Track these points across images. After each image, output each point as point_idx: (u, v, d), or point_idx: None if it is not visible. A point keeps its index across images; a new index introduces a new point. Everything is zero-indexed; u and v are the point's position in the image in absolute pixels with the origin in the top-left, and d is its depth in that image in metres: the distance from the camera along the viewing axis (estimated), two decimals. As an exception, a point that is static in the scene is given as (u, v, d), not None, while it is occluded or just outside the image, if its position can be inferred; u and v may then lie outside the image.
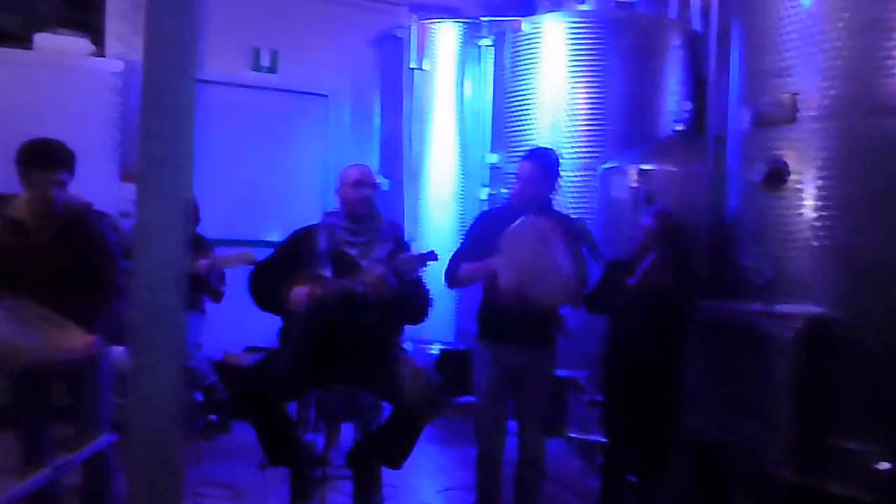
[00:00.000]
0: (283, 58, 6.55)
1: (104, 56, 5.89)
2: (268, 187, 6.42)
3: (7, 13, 6.60)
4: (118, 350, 3.22)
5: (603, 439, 4.03)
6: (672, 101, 4.97)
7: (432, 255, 3.24)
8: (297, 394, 3.35)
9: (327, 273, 3.32)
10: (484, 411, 3.56)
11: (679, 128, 4.49)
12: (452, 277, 3.51)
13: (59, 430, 3.22)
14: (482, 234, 3.49)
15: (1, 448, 3.35)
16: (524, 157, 3.58)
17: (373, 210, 3.50)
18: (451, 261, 3.54)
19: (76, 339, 2.79)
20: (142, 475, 2.32)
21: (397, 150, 5.86)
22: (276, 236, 6.09)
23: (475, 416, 3.60)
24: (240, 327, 4.88)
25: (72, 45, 5.69)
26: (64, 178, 3.06)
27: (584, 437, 4.48)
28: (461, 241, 3.75)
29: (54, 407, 3.22)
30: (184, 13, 2.31)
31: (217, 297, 4.67)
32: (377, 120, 6.62)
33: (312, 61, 6.56)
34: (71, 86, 5.52)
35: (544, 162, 3.53)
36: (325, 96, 6.67)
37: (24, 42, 5.64)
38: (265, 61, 6.50)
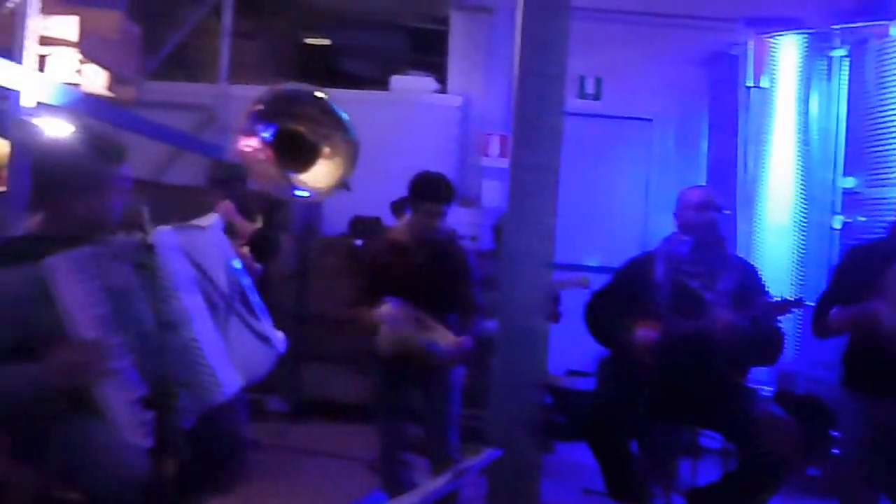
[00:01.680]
0: (607, 84, 6.61)
1: (446, 92, 6.39)
2: (591, 212, 6.49)
3: (368, 61, 7.48)
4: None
5: None
6: None
7: (798, 303, 2.96)
8: (643, 431, 3.27)
9: (666, 306, 3.16)
10: (850, 469, 3.15)
11: None
12: (822, 327, 3.10)
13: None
14: (855, 273, 3.09)
15: (360, 441, 3.74)
16: None
17: (716, 236, 3.30)
18: (817, 306, 3.15)
19: (450, 338, 3.06)
20: (500, 485, 2.46)
21: (727, 173, 5.60)
22: (595, 261, 6.16)
23: (838, 473, 3.25)
24: (561, 350, 4.98)
25: (419, 84, 6.28)
26: (446, 210, 3.32)
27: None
28: (829, 284, 3.31)
29: (411, 409, 3.51)
30: (554, 46, 2.45)
31: (555, 318, 4.80)
32: (704, 143, 6.41)
33: (636, 86, 6.53)
34: (418, 120, 6.08)
35: None
36: (650, 120, 6.61)
37: (382, 85, 6.34)
38: (589, 88, 6.61)
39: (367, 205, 5.47)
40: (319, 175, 3.24)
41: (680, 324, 3.09)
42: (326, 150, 3.25)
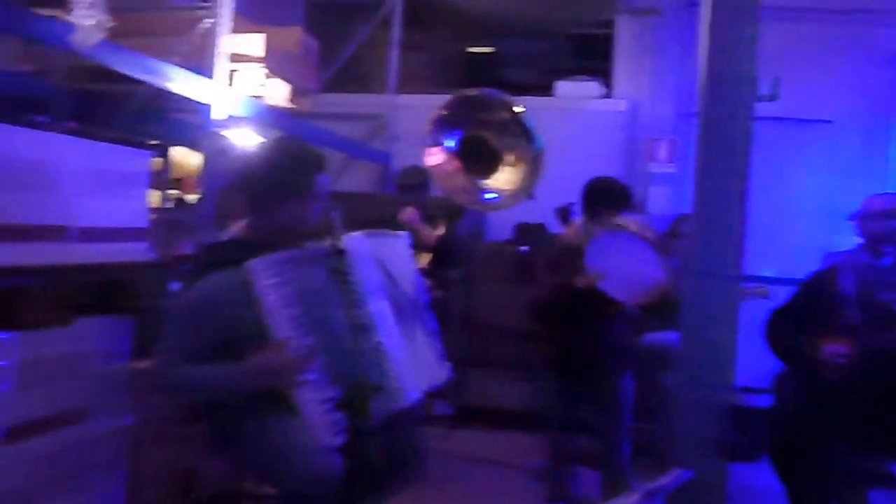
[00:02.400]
0: (785, 85, 6.25)
1: (612, 97, 6.27)
2: (768, 220, 6.16)
3: (532, 68, 7.48)
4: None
5: None
6: None
7: None
8: (834, 455, 3.04)
9: (857, 320, 2.94)
10: None
11: None
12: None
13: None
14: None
15: (524, 449, 3.71)
16: None
17: None
18: None
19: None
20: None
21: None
22: (773, 271, 5.83)
23: None
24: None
25: (584, 89, 6.20)
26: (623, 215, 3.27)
27: None
28: None
29: (582, 419, 3.46)
30: (743, 46, 2.34)
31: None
32: (892, 146, 5.94)
33: (817, 86, 6.14)
34: (583, 125, 6.00)
35: None
36: (831, 122, 6.19)
37: (546, 91, 6.31)
38: (766, 90, 6.27)
39: (532, 211, 5.44)
40: (502, 182, 3.25)
41: (874, 338, 2.86)
42: (510, 157, 3.26)
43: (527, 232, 5.54)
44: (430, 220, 3.89)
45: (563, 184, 5.32)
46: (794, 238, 6.00)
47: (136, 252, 2.76)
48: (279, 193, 2.13)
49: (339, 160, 6.19)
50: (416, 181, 3.78)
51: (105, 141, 2.78)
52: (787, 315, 3.17)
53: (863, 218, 3.13)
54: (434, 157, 3.13)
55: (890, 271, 3.02)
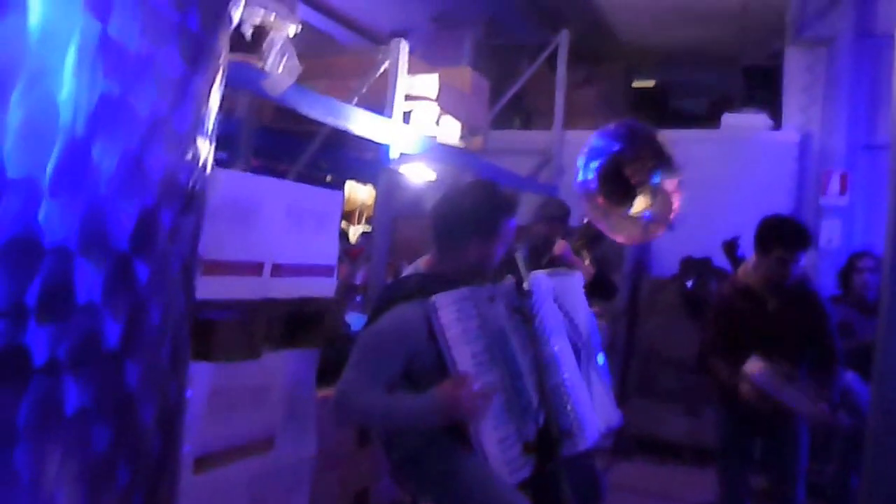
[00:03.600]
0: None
1: (781, 128, 6.12)
2: None
3: (698, 99, 7.41)
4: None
5: None
6: None
7: None
8: None
9: None
10: None
11: None
12: None
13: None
14: None
15: (688, 483, 3.68)
16: None
17: None
18: None
19: (813, 405, 2.96)
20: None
21: None
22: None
23: None
24: None
25: (752, 121, 6.09)
26: (799, 257, 3.20)
27: None
28: None
29: (753, 457, 3.41)
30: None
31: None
32: None
33: None
34: (752, 158, 5.89)
35: None
36: None
37: (713, 122, 6.25)
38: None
39: (698, 244, 5.40)
40: (639, 212, 3.26)
41: None
42: (649, 187, 3.27)
43: (692, 266, 5.50)
44: (577, 253, 3.93)
45: (730, 217, 5.29)
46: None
47: (324, 287, 2.84)
48: (466, 233, 2.19)
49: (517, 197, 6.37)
50: (556, 213, 3.83)
51: (296, 180, 2.86)
52: None
53: None
54: (583, 186, 3.18)
55: None
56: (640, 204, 3.45)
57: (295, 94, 3.20)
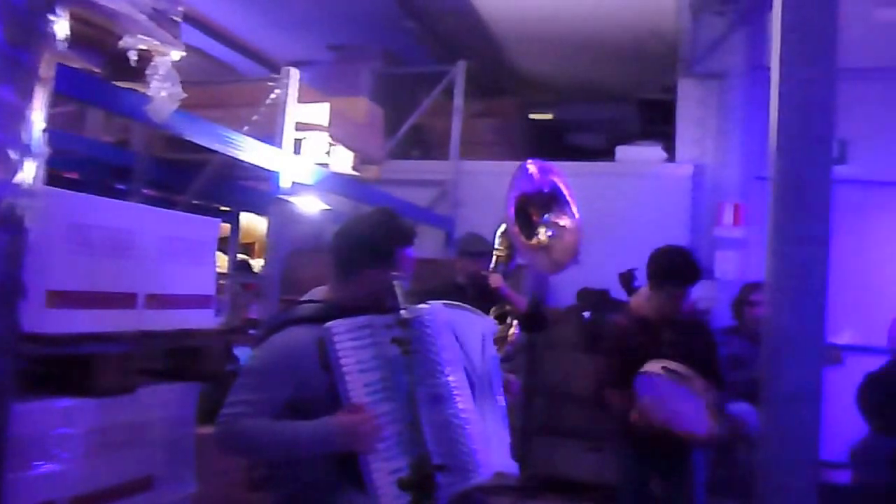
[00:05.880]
0: (856, 146, 6.11)
1: (675, 161, 6.22)
2: (840, 285, 5.95)
3: (595, 133, 7.52)
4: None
5: None
6: None
7: None
8: None
9: None
10: None
11: None
12: None
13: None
14: None
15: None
16: None
17: None
18: None
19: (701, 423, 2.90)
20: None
21: None
22: (848, 338, 5.60)
23: None
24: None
25: (646, 153, 6.17)
26: (688, 291, 3.20)
27: None
28: None
29: (653, 495, 3.32)
30: (818, 106, 2.27)
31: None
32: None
33: (887, 147, 5.99)
34: (646, 190, 5.95)
35: None
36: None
37: (610, 155, 6.31)
38: (835, 152, 6.13)
39: (595, 276, 5.38)
40: (548, 246, 3.25)
41: None
42: (552, 222, 3.25)
43: (589, 297, 5.47)
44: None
45: (627, 248, 5.29)
46: (871, 304, 5.78)
47: (202, 318, 2.78)
48: (363, 262, 2.17)
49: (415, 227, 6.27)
50: (478, 248, 3.78)
51: (178, 209, 2.82)
52: (882, 380, 3.06)
53: None
54: (508, 223, 3.15)
55: None
56: (542, 237, 3.40)
57: (181, 121, 3.19)
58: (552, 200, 3.32)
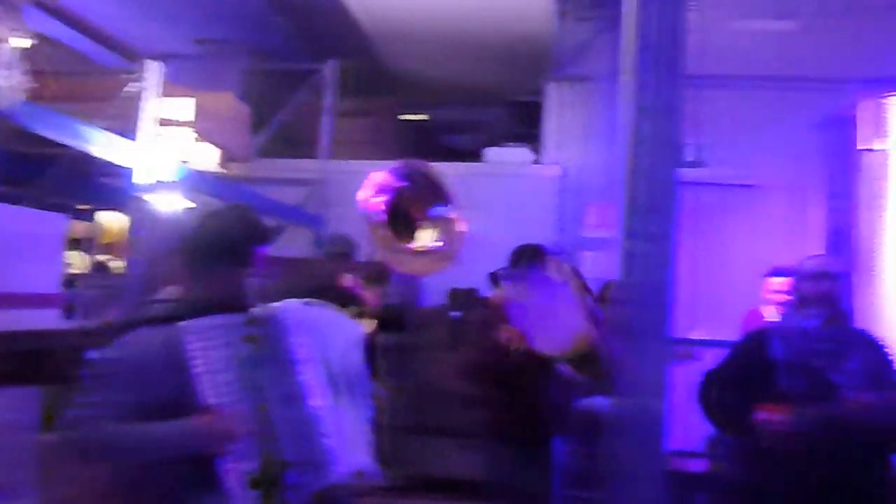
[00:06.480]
0: (712, 150, 6.45)
1: (543, 163, 6.38)
2: (696, 283, 6.27)
3: (467, 135, 7.60)
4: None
5: None
6: None
7: None
8: None
9: (790, 388, 2.88)
10: None
11: None
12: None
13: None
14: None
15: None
16: None
17: (836, 309, 3.03)
18: None
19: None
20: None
21: (846, 241, 5.34)
22: (702, 334, 5.91)
23: None
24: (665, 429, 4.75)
25: (515, 155, 6.30)
26: None
27: None
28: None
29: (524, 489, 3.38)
30: (668, 111, 2.38)
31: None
32: (820, 210, 6.14)
33: (744, 152, 6.36)
34: (515, 191, 6.08)
35: None
36: (758, 187, 6.40)
37: (478, 157, 6.40)
38: (692, 155, 6.45)
39: (466, 276, 5.44)
40: (425, 247, 3.25)
41: (809, 409, 2.83)
42: (430, 221, 3.25)
43: (458, 297, 5.53)
44: (367, 285, 3.86)
45: (495, 249, 5.38)
46: (725, 301, 6.10)
47: (47, 319, 2.67)
48: (216, 260, 2.09)
49: (273, 225, 6.14)
50: (342, 249, 3.75)
51: (28, 205, 2.69)
52: (719, 379, 3.12)
53: (794, 279, 3.14)
54: (370, 220, 3.12)
55: (820, 338, 3.00)
56: (423, 238, 3.39)
57: (27, 112, 3.02)
58: (433, 199, 3.32)
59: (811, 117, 6.03)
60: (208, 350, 1.95)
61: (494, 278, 4.95)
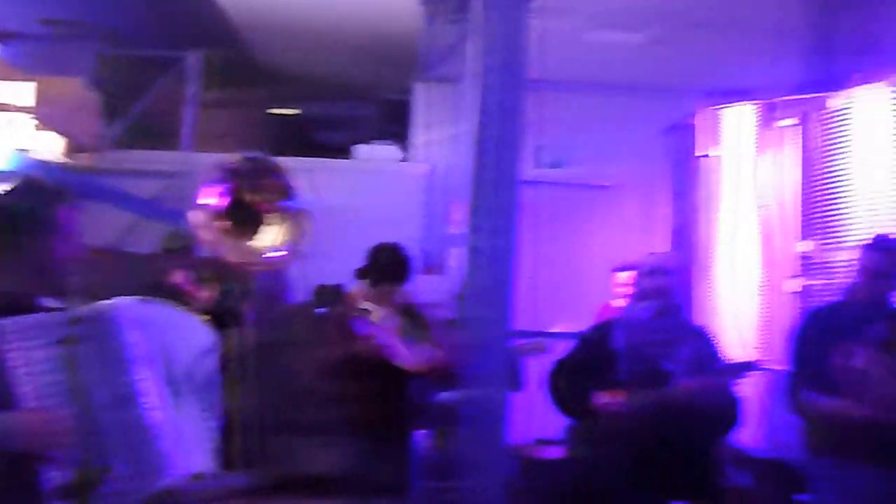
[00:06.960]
0: (568, 153, 6.70)
1: (411, 161, 6.44)
2: (554, 278, 6.49)
3: (336, 131, 7.56)
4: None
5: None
6: None
7: (753, 366, 3.00)
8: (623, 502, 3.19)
9: (628, 374, 3.14)
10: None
11: None
12: (798, 405, 3.01)
13: None
14: (820, 339, 2.95)
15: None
16: (870, 247, 3.08)
17: (670, 302, 3.29)
18: (790, 380, 3.04)
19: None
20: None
21: (688, 239, 5.69)
22: (559, 328, 6.14)
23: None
24: (529, 419, 4.91)
25: (383, 152, 6.34)
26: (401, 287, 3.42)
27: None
28: (794, 351, 3.10)
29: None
30: (511, 113, 2.48)
31: (516, 386, 4.75)
32: (666, 209, 6.50)
33: (597, 154, 6.65)
34: (383, 188, 6.11)
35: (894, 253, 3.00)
36: (611, 188, 6.71)
37: (346, 154, 6.39)
38: (549, 157, 6.68)
39: (333, 273, 5.42)
40: (269, 242, 3.22)
41: (643, 394, 3.06)
42: (274, 217, 3.23)
43: (325, 294, 5.50)
44: (201, 282, 3.77)
45: (363, 245, 5.39)
46: (580, 296, 6.36)
47: None
48: (15, 235, 1.94)
49: (130, 220, 5.90)
50: (179, 245, 3.67)
51: None
52: (565, 368, 3.33)
53: (636, 276, 3.36)
54: (199, 217, 3.05)
55: (655, 328, 3.23)
56: (266, 234, 3.35)
57: None
58: (277, 195, 3.29)
59: (658, 124, 6.39)
60: (26, 351, 1.83)
61: (360, 274, 4.98)
